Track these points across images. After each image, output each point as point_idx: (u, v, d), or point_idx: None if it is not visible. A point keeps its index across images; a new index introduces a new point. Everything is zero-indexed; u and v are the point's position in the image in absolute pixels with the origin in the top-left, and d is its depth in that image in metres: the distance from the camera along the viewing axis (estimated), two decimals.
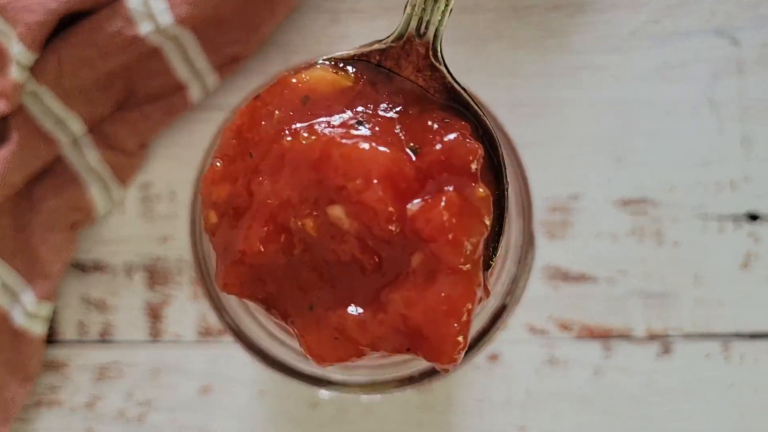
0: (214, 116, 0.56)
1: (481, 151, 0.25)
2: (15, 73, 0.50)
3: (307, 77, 0.24)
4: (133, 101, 0.55)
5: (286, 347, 0.41)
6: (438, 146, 0.24)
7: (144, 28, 0.51)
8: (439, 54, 0.27)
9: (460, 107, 0.27)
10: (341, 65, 0.26)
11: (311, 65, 0.25)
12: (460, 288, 0.23)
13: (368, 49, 0.27)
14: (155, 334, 0.56)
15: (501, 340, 0.56)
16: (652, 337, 0.55)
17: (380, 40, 0.27)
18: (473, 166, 0.24)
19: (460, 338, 0.24)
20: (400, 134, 0.24)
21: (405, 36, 0.27)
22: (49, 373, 0.56)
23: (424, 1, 0.26)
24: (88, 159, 0.55)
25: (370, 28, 0.56)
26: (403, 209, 0.23)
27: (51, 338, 0.56)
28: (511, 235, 0.40)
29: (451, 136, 0.24)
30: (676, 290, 0.55)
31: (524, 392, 0.56)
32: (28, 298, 0.54)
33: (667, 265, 0.55)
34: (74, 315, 0.56)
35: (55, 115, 0.53)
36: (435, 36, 0.27)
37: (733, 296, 0.55)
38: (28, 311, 0.54)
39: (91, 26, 0.51)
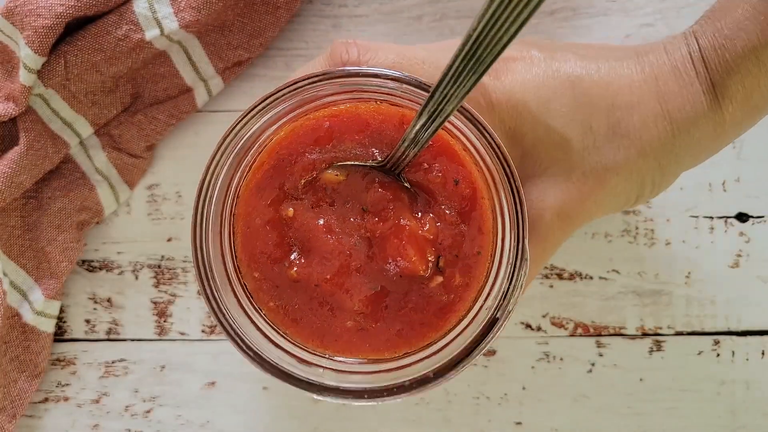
0: (219, 119, 0.57)
1: (400, 221, 0.42)
2: (23, 77, 0.50)
3: (327, 177, 0.42)
4: (140, 104, 0.55)
5: (283, 351, 0.42)
6: (385, 212, 0.42)
7: (150, 33, 0.51)
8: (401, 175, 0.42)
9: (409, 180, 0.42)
10: (340, 169, 0.42)
11: (327, 170, 0.42)
12: (408, 245, 0.41)
13: (360, 163, 0.41)
14: (161, 332, 0.57)
15: (498, 337, 0.56)
16: (645, 335, 0.56)
17: (372, 162, 0.42)
18: (392, 211, 0.41)
19: (414, 257, 0.41)
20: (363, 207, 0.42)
21: (385, 166, 0.41)
22: (56, 370, 0.57)
23: (399, 157, 0.40)
24: (95, 160, 0.55)
25: (370, 33, 0.56)
26: (376, 231, 0.42)
27: (59, 336, 0.57)
28: (504, 250, 0.41)
29: (391, 206, 0.41)
30: (668, 289, 0.56)
31: (520, 388, 0.56)
32: (37, 296, 0.54)
33: (660, 264, 0.56)
34: (82, 313, 0.57)
35: (62, 118, 0.54)
36: (401, 170, 0.41)
37: (725, 294, 0.56)
38: (37, 309, 0.54)
39: (98, 31, 0.51)
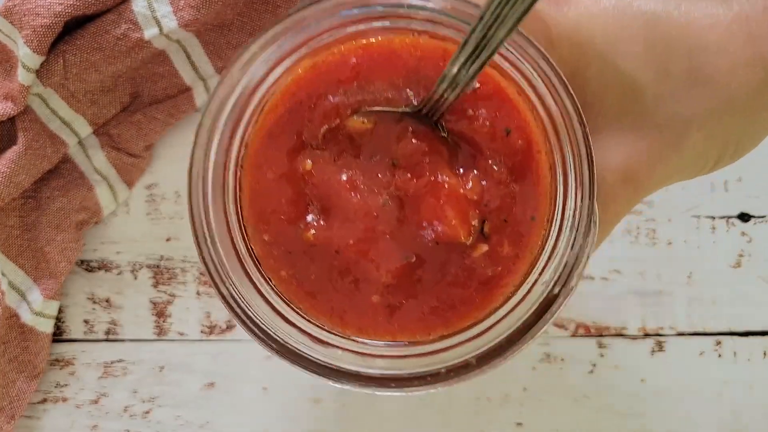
0: None
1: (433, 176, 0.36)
2: (21, 76, 0.50)
3: (352, 125, 0.36)
4: (139, 103, 0.55)
5: (294, 328, 0.36)
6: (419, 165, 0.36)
7: (149, 32, 0.51)
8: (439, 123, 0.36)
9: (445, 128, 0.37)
10: (367, 116, 0.36)
11: (353, 116, 0.36)
12: (447, 207, 0.35)
13: (391, 109, 0.35)
14: (160, 332, 0.57)
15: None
16: (647, 335, 0.56)
17: (405, 108, 0.36)
18: (428, 166, 0.36)
19: (454, 221, 0.35)
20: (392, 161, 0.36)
21: (421, 111, 0.35)
22: (55, 371, 0.57)
23: (437, 100, 0.34)
24: (93, 160, 0.55)
25: None
26: (408, 189, 0.36)
27: (57, 336, 0.57)
28: (565, 215, 0.34)
29: (426, 160, 0.35)
30: (670, 289, 0.56)
31: (521, 389, 0.56)
32: (35, 296, 0.54)
33: (662, 264, 0.56)
34: (80, 313, 0.57)
35: (61, 117, 0.54)
36: (439, 116, 0.35)
37: (727, 295, 0.56)
38: (35, 310, 0.54)
39: (97, 30, 0.51)
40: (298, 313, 0.37)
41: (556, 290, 0.33)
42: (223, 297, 0.34)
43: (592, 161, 0.32)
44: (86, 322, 0.57)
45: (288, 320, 0.36)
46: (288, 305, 0.36)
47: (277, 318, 0.35)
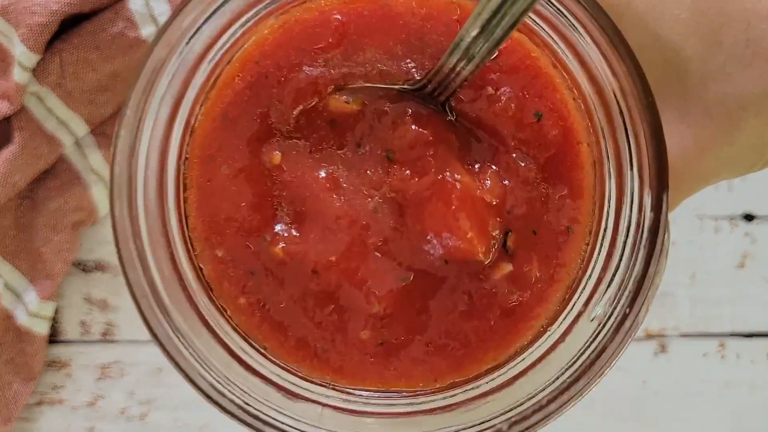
0: None
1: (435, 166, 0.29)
2: (17, 75, 0.50)
3: (335, 105, 0.28)
4: None
5: (259, 378, 0.28)
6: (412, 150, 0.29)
7: (146, 30, 0.51)
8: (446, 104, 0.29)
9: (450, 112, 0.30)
10: (354, 93, 0.28)
11: (335, 94, 0.28)
12: (459, 213, 0.28)
13: (386, 85, 0.28)
14: None
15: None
16: (650, 337, 0.56)
17: (405, 84, 0.29)
18: (433, 159, 0.29)
19: (469, 232, 0.27)
20: (382, 152, 0.29)
21: (424, 89, 0.28)
22: (51, 372, 0.56)
23: (446, 75, 0.27)
24: (90, 160, 0.55)
25: None
26: (407, 190, 0.29)
27: (53, 338, 0.56)
28: (620, 225, 0.27)
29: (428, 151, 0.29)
30: (673, 290, 0.56)
31: None
32: (31, 297, 0.54)
33: None
34: (76, 315, 0.56)
35: (57, 116, 0.53)
36: (449, 96, 0.28)
37: (730, 296, 0.56)
38: (31, 311, 0.54)
39: (93, 28, 0.51)
40: (262, 354, 0.29)
41: (616, 327, 0.25)
42: (158, 340, 0.24)
43: (664, 150, 0.24)
44: (82, 323, 0.56)
45: (249, 366, 0.27)
46: (249, 344, 0.28)
47: (234, 363, 0.27)
